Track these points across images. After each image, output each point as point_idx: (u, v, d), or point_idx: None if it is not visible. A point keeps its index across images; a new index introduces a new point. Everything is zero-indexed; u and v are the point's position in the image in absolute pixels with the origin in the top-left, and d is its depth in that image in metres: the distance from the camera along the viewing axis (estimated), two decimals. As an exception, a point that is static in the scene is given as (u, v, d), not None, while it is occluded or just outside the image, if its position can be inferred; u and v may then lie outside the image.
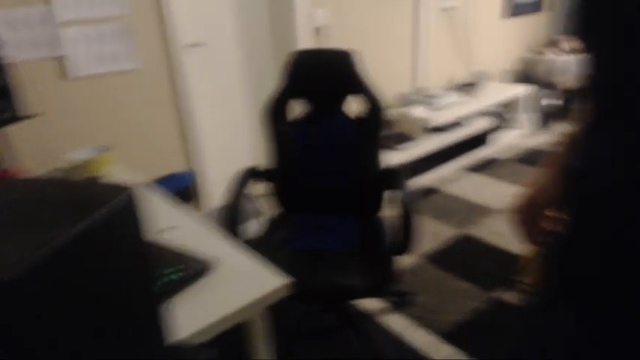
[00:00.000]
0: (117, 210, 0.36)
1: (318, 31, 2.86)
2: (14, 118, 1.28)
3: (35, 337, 0.29)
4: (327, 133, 1.95)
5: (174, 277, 0.88)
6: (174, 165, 2.56)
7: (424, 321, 2.12)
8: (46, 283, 0.30)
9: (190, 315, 0.83)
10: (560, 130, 1.01)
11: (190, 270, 0.92)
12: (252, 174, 1.94)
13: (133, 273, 0.40)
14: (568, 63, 4.05)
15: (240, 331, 1.18)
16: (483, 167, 3.67)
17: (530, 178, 0.90)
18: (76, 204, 0.36)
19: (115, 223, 0.36)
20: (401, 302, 2.24)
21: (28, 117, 1.76)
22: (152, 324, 0.46)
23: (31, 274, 0.28)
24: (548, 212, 0.86)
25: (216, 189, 2.78)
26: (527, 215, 0.88)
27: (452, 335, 2.02)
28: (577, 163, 0.71)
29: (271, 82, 2.98)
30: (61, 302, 0.31)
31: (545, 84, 4.14)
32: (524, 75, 4.37)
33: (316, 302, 2.19)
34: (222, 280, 0.92)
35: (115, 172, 1.50)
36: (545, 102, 4.13)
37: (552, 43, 4.32)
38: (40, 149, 2.06)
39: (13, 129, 1.85)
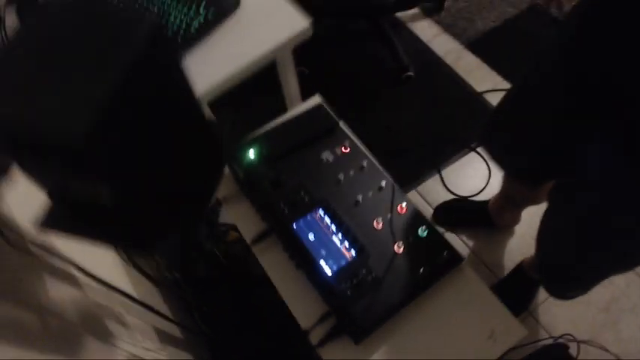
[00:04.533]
0: (145, 45, 0.35)
1: None
2: None
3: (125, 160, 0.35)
4: None
5: (199, 20, 0.87)
6: None
7: (454, 29, 2.08)
8: (115, 122, 0.34)
9: (222, 58, 0.86)
10: None
11: (214, 7, 0.90)
12: None
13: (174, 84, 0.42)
14: None
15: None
16: None
17: None
18: (109, 39, 0.35)
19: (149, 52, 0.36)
20: (434, 7, 2.14)
21: None
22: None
23: (100, 124, 0.32)
24: None
25: None
26: None
27: (478, 43, 2.01)
28: None
29: None
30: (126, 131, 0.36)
31: None
32: None
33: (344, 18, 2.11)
34: (247, 21, 0.91)
35: None
36: None
37: None
38: None
39: None
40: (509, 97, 0.93)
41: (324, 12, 1.76)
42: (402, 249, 0.83)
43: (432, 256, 0.83)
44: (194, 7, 0.90)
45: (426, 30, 2.10)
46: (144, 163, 0.41)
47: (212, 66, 0.85)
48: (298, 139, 0.98)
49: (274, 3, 0.91)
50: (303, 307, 0.85)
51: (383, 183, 0.92)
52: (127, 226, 0.44)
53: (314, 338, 0.82)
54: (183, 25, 0.88)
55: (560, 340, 0.99)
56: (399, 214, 0.88)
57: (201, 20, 0.89)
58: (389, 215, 0.88)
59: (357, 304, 0.77)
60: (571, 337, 1.02)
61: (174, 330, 1.00)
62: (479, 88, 1.87)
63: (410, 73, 1.88)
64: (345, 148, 0.98)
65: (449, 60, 1.98)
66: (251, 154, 0.97)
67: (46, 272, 0.63)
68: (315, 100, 1.11)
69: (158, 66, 0.40)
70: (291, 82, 1.06)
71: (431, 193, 1.61)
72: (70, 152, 0.33)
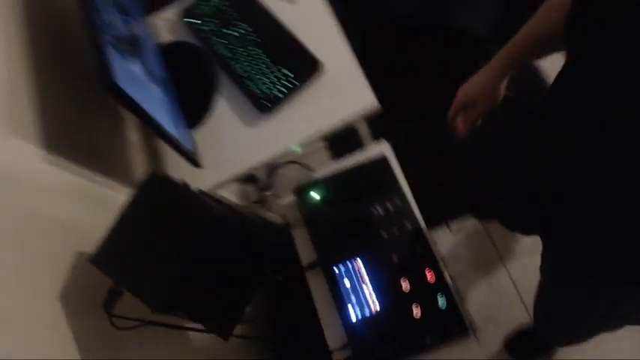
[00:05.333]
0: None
1: None
2: None
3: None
4: None
5: (282, 85, 1.01)
6: None
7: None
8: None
9: (302, 122, 1.01)
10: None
11: (300, 72, 1.03)
12: None
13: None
14: None
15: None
16: None
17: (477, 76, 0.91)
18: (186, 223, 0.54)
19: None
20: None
21: None
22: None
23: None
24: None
25: None
26: (461, 109, 0.93)
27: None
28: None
29: None
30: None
31: None
32: None
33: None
34: (325, 89, 1.03)
35: None
36: None
37: None
38: None
39: None
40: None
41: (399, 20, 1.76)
42: (420, 313, 0.98)
43: (444, 326, 0.97)
44: (280, 72, 1.04)
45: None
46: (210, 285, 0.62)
47: (288, 131, 1.02)
48: (357, 190, 1.13)
49: (352, 75, 1.02)
50: (333, 331, 1.06)
51: (420, 248, 1.05)
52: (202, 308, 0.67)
53: (335, 357, 1.04)
54: (270, 89, 1.03)
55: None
56: (426, 280, 1.02)
57: (285, 83, 1.03)
58: (416, 280, 1.02)
59: (369, 348, 0.97)
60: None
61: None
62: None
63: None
64: (396, 206, 1.10)
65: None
66: (315, 194, 1.14)
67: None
68: (382, 146, 1.21)
69: (220, 237, 0.59)
70: (361, 128, 1.19)
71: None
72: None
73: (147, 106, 0.72)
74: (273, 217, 1.50)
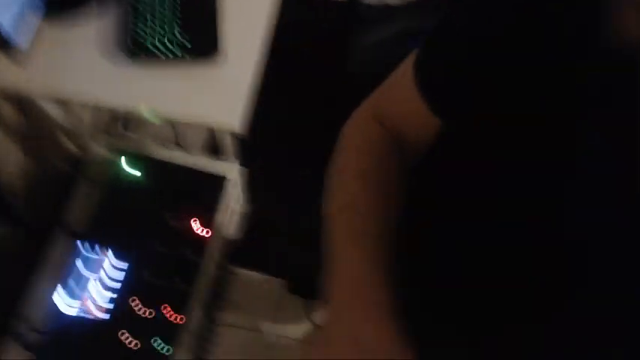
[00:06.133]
0: None
1: None
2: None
3: None
4: None
5: (171, 46, 0.90)
6: None
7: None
8: None
9: (161, 93, 0.89)
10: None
11: (199, 47, 0.92)
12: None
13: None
14: None
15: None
16: None
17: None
18: None
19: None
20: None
21: None
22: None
23: None
24: None
25: None
26: None
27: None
28: None
29: None
30: None
31: None
32: None
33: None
34: (211, 79, 0.92)
35: None
36: None
37: None
38: None
39: None
40: None
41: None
42: (125, 339, 0.86)
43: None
44: (180, 35, 0.93)
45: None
46: None
47: (141, 92, 0.89)
48: (176, 192, 1.01)
49: (244, 86, 0.92)
50: (37, 308, 0.90)
51: (180, 283, 0.94)
52: None
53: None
54: (154, 41, 0.91)
55: None
56: (161, 313, 0.90)
57: (175, 48, 0.92)
58: (151, 313, 0.90)
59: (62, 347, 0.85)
60: None
61: None
62: None
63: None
64: (196, 232, 0.98)
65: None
66: (135, 169, 1.01)
67: None
68: (232, 170, 1.10)
69: None
70: (225, 139, 1.09)
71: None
72: None
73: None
74: (106, 155, 1.27)
